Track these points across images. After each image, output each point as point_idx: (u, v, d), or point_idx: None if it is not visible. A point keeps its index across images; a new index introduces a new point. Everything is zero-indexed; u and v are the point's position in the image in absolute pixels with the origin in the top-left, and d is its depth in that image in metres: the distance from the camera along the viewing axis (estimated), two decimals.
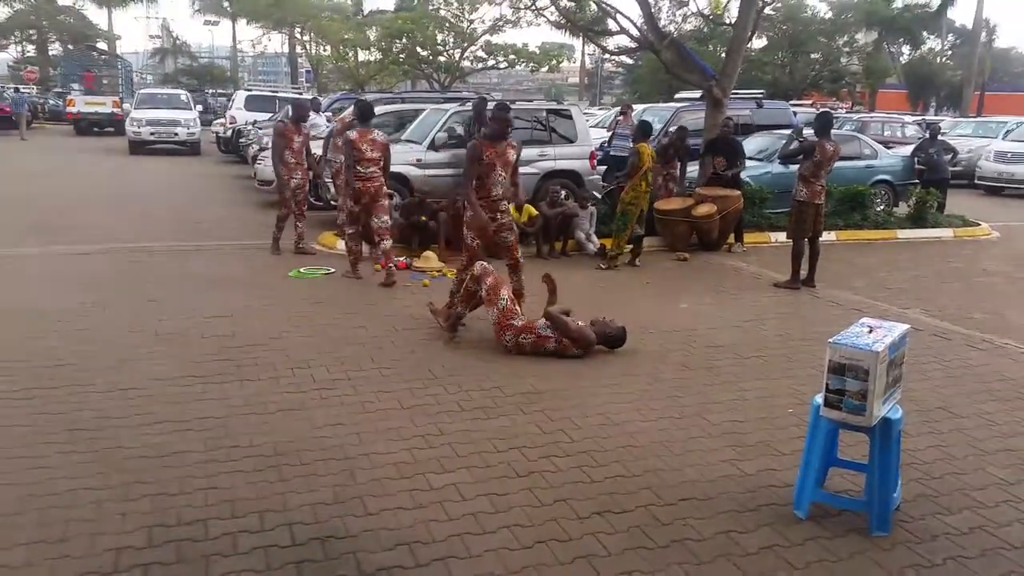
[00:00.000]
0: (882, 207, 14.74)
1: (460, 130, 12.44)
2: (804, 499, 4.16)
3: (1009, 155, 21.31)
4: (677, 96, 21.06)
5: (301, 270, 9.56)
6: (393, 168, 9.93)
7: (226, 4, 55.99)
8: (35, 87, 46.78)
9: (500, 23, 39.26)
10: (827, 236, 11.63)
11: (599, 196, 12.62)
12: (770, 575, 3.63)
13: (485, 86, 60.62)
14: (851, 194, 13.66)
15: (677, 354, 6.84)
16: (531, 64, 40.67)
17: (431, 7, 40.57)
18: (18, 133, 30.21)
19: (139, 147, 25.41)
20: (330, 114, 16.41)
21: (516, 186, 7.45)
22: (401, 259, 9.95)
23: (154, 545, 3.69)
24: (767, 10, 21.71)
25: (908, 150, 16.79)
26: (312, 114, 13.35)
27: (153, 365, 6.10)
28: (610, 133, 18.16)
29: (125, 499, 4.10)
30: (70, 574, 3.48)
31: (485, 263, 6.96)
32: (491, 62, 41.69)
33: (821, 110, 18.06)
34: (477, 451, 4.76)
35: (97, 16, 68.43)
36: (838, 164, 10.09)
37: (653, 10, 15.12)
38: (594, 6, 16.19)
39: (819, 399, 4.01)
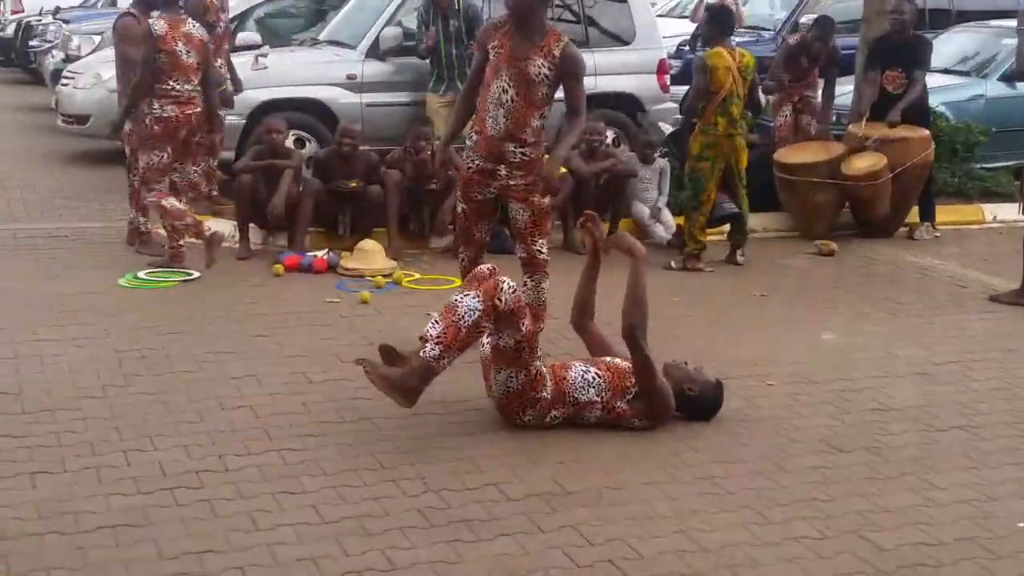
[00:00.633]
0: None
1: (420, 24, 8.48)
2: None
3: None
4: None
5: (140, 275, 6.33)
6: (312, 91, 7.79)
7: None
8: None
9: None
10: None
11: (671, 142, 8.69)
12: None
13: None
14: None
15: (815, 424, 4.61)
16: None
17: None
18: None
19: None
20: None
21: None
22: (319, 253, 6.65)
23: None
24: None
25: None
26: None
27: None
28: (695, 26, 12.34)
29: None
30: None
31: (507, 279, 4.23)
32: None
33: None
34: None
35: None
36: None
37: None
38: None
39: None
